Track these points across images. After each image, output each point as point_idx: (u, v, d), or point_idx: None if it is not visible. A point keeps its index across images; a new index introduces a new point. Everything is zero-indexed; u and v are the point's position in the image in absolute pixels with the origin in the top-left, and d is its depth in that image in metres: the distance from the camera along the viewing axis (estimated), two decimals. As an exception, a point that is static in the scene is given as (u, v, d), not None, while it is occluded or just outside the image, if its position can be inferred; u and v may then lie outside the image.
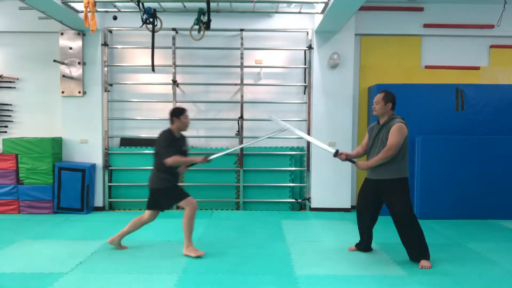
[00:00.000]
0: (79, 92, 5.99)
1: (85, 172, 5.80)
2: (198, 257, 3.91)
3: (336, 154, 3.93)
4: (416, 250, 3.77)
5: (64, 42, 5.97)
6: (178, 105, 6.17)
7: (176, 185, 4.12)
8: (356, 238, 4.64)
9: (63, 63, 5.96)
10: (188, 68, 6.25)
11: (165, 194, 4.01)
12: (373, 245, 4.38)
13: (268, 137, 4.59)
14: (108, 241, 4.19)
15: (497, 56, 6.35)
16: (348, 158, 3.94)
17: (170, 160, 3.88)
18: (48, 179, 5.79)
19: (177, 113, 4.10)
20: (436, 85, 6.04)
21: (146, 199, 4.14)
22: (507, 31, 6.19)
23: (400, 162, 3.75)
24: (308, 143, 6.16)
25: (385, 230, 4.96)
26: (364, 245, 4.15)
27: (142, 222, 4.15)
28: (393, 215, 3.80)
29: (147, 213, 4.12)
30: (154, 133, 6.16)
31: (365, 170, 3.92)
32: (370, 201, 3.97)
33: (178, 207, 6.26)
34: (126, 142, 6.28)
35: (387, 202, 3.83)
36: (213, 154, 4.28)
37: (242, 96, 6.16)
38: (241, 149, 6.13)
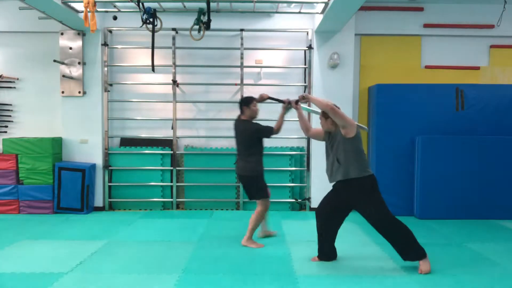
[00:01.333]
0: (79, 92, 5.99)
1: (85, 172, 5.79)
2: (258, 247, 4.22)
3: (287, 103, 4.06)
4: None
5: (64, 42, 5.97)
6: (179, 105, 6.20)
7: (264, 179, 4.38)
8: (355, 237, 4.65)
9: (63, 63, 5.96)
10: (188, 68, 6.25)
11: (255, 182, 4.29)
12: (373, 246, 4.38)
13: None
14: (258, 236, 4.59)
15: (497, 56, 6.36)
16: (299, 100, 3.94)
17: (276, 128, 4.25)
18: (48, 179, 5.79)
19: (247, 102, 4.32)
20: (436, 85, 6.03)
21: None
22: (507, 31, 6.19)
23: (359, 159, 3.54)
24: (308, 143, 6.16)
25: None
26: (326, 252, 3.86)
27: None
28: (369, 221, 3.62)
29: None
30: (154, 133, 6.25)
31: (327, 110, 3.52)
32: (335, 206, 3.76)
33: (178, 206, 6.28)
34: (126, 142, 6.28)
35: (358, 208, 3.62)
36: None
37: (242, 96, 6.15)
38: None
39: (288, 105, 4.23)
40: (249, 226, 4.32)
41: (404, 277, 3.48)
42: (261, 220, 4.35)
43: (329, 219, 3.80)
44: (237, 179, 4.39)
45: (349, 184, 3.58)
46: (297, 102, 4.04)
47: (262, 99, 4.48)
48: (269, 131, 4.26)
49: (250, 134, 4.27)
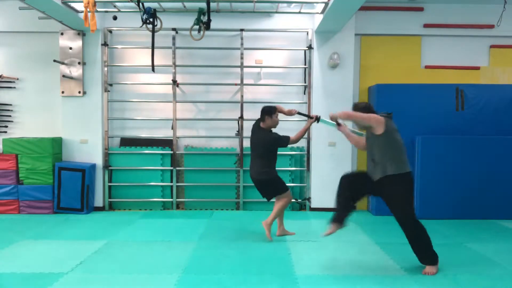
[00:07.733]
0: (79, 92, 5.99)
1: (85, 172, 5.79)
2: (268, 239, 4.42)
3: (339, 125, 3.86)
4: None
5: (64, 42, 5.97)
6: (179, 105, 6.20)
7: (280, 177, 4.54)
8: (355, 237, 4.65)
9: (63, 63, 5.96)
10: (188, 68, 6.25)
11: (274, 183, 4.46)
12: (373, 246, 4.38)
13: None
14: (277, 235, 4.67)
15: (497, 56, 6.35)
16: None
17: (294, 138, 4.48)
18: (48, 179, 5.79)
19: (270, 112, 4.45)
20: (436, 85, 6.04)
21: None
22: (507, 31, 6.19)
23: (397, 156, 3.49)
24: (308, 143, 6.16)
25: (385, 230, 4.97)
26: (341, 215, 3.69)
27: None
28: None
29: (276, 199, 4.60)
30: (154, 133, 6.26)
31: (344, 118, 3.64)
32: (368, 185, 3.66)
33: (178, 206, 6.28)
34: (126, 142, 6.27)
35: (386, 201, 3.60)
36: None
37: (242, 96, 6.16)
38: (241, 149, 6.14)
39: (315, 121, 4.33)
40: (272, 213, 4.52)
41: (404, 277, 3.49)
42: (283, 210, 4.56)
43: (352, 183, 3.72)
44: (254, 182, 4.57)
45: (386, 180, 3.52)
46: (318, 119, 4.25)
47: (290, 114, 4.59)
48: (286, 141, 4.46)
49: (268, 145, 4.43)
